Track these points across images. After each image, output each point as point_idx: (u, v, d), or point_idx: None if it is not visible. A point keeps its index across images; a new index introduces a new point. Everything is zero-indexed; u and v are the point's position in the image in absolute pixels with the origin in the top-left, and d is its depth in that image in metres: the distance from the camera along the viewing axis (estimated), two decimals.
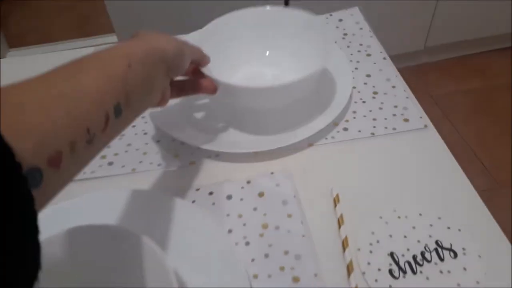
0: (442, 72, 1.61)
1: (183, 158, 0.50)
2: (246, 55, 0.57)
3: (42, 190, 0.23)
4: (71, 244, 0.37)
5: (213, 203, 0.46)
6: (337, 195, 0.44)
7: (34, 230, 0.20)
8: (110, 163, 0.50)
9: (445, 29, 1.49)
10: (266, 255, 0.41)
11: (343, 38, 0.66)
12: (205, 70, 0.47)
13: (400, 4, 1.36)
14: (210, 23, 0.56)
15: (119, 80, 0.31)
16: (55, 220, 0.43)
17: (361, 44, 0.64)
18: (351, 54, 0.63)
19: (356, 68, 0.60)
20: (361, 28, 0.68)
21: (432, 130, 0.51)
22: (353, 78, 0.57)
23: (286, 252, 0.41)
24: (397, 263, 0.39)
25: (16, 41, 1.77)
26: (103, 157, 0.51)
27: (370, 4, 1.26)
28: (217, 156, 0.50)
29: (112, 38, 1.56)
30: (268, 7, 0.57)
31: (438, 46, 1.55)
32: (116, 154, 0.51)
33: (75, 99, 0.27)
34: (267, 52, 0.59)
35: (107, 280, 0.36)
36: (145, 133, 0.54)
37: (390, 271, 0.38)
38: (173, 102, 0.55)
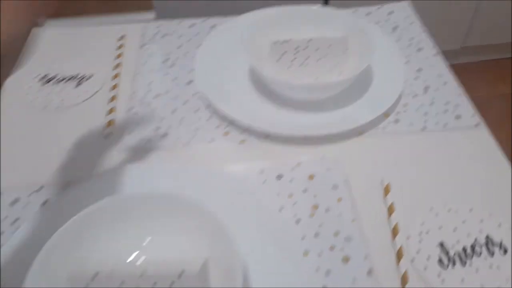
0: (477, 74, 1.58)
1: (234, 137, 0.52)
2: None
3: None
4: (129, 207, 0.39)
5: (264, 181, 0.47)
6: (388, 185, 0.45)
7: None
8: (165, 135, 0.51)
9: (483, 31, 1.46)
10: (316, 234, 0.42)
11: (393, 31, 0.66)
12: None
13: (441, 1, 1.34)
14: (258, 10, 0.57)
15: None
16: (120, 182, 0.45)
17: (412, 38, 0.64)
18: (401, 49, 0.62)
19: (407, 62, 0.60)
20: (412, 23, 0.67)
21: (484, 129, 0.51)
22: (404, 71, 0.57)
23: (337, 233, 0.42)
24: (447, 253, 0.39)
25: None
26: (158, 128, 0.52)
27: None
28: (267, 137, 0.51)
29: (150, 15, 1.57)
30: (315, 7, 0.58)
31: (475, 47, 1.53)
32: (170, 127, 0.52)
33: None
34: None
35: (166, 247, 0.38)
36: (196, 110, 0.55)
37: (440, 261, 0.39)
38: (226, 77, 0.56)
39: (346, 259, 0.40)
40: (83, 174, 0.48)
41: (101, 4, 1.82)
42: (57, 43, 0.67)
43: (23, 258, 0.39)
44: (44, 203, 0.45)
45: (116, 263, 0.36)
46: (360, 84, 0.54)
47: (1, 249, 0.40)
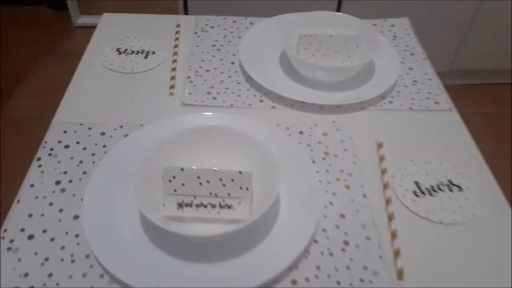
0: (458, 95, 1.77)
1: (267, 103, 0.68)
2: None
3: None
4: (199, 135, 0.55)
5: (289, 134, 0.63)
6: (381, 143, 0.61)
7: None
8: (214, 98, 0.67)
9: (472, 56, 1.64)
10: (327, 170, 0.57)
11: (393, 39, 0.83)
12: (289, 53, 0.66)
13: (432, 25, 1.53)
14: (288, 14, 0.74)
15: None
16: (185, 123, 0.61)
17: (407, 46, 0.81)
18: (398, 52, 0.80)
19: (402, 62, 0.77)
20: (408, 34, 0.85)
21: (455, 113, 0.67)
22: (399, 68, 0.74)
23: (342, 171, 0.57)
24: (419, 188, 0.55)
25: (86, 9, 1.98)
26: (209, 93, 0.68)
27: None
28: (292, 105, 0.67)
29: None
30: (337, 13, 0.75)
31: (462, 71, 1.71)
32: (218, 93, 0.68)
33: None
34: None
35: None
36: (238, 82, 0.71)
37: (414, 192, 0.55)
38: (262, 60, 0.73)
39: (347, 187, 0.55)
40: (153, 119, 0.63)
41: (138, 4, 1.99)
42: (125, 26, 0.83)
43: (111, 171, 0.55)
44: (125, 136, 0.61)
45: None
46: (365, 73, 0.71)
47: (99, 163, 0.56)
